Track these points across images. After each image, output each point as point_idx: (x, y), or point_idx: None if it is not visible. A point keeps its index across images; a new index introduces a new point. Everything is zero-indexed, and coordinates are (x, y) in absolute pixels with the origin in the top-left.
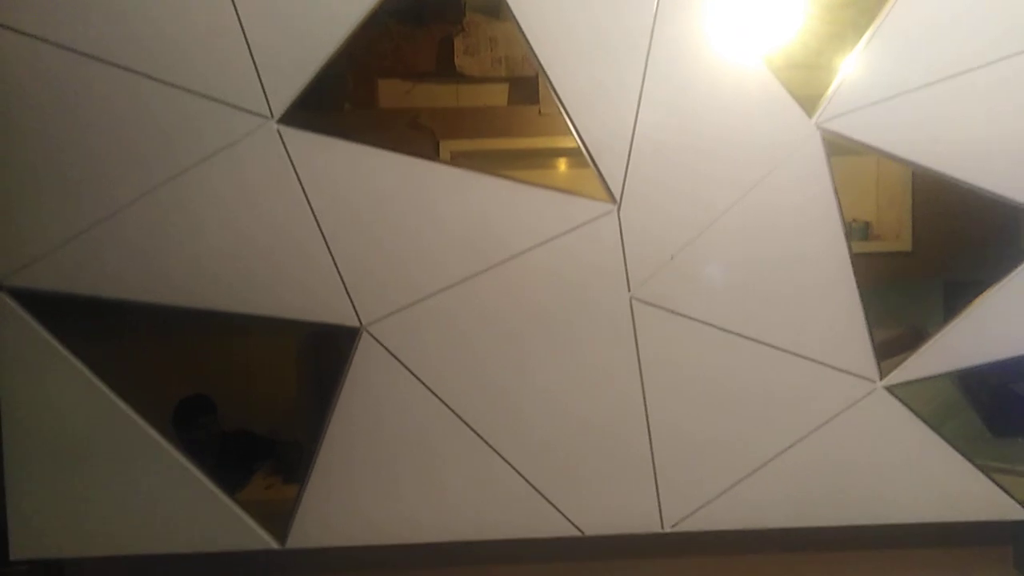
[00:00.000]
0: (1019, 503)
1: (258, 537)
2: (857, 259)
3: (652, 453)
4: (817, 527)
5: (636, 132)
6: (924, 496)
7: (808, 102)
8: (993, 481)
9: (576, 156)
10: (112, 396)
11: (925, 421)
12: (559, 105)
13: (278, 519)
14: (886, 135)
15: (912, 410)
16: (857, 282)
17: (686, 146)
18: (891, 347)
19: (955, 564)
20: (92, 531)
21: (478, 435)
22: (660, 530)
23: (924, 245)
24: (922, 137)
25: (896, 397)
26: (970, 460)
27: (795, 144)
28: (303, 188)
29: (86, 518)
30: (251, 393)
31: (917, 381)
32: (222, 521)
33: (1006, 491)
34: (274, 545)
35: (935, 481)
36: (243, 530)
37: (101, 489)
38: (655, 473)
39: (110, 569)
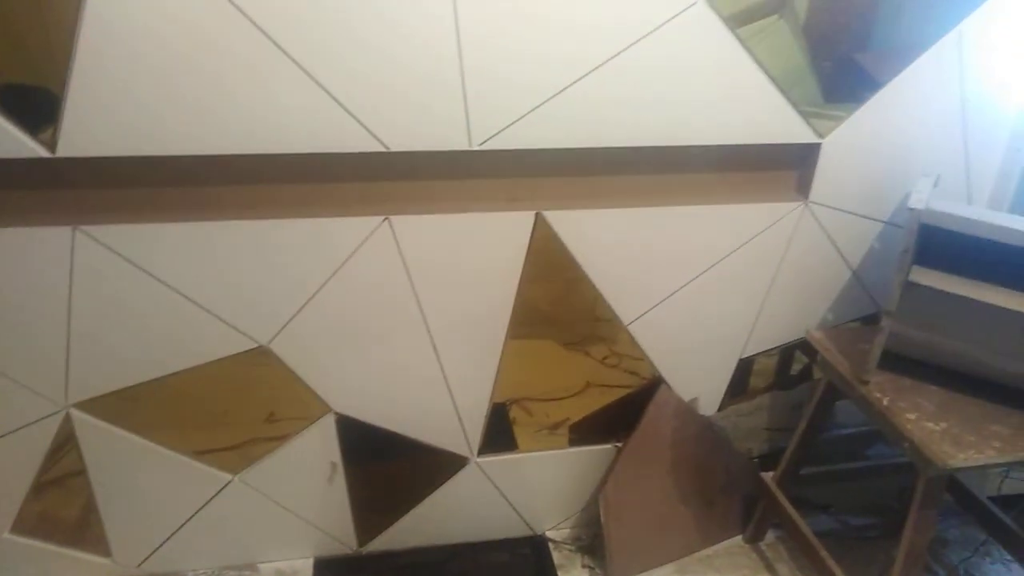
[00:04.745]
0: (813, 131)
1: (26, 145)
2: None
3: (462, 66)
4: (623, 147)
5: None
6: (731, 122)
7: None
8: (797, 111)
9: None
10: None
11: (743, 45)
12: None
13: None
14: None
15: (731, 31)
16: None
17: None
18: None
19: (746, 186)
20: None
21: (266, 35)
22: (468, 147)
23: None
24: None
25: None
26: (784, 94)
27: None
28: None
29: None
30: None
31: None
32: None
33: (807, 122)
34: (43, 153)
35: (743, 109)
36: (11, 139)
37: None
38: (464, 88)
39: None
